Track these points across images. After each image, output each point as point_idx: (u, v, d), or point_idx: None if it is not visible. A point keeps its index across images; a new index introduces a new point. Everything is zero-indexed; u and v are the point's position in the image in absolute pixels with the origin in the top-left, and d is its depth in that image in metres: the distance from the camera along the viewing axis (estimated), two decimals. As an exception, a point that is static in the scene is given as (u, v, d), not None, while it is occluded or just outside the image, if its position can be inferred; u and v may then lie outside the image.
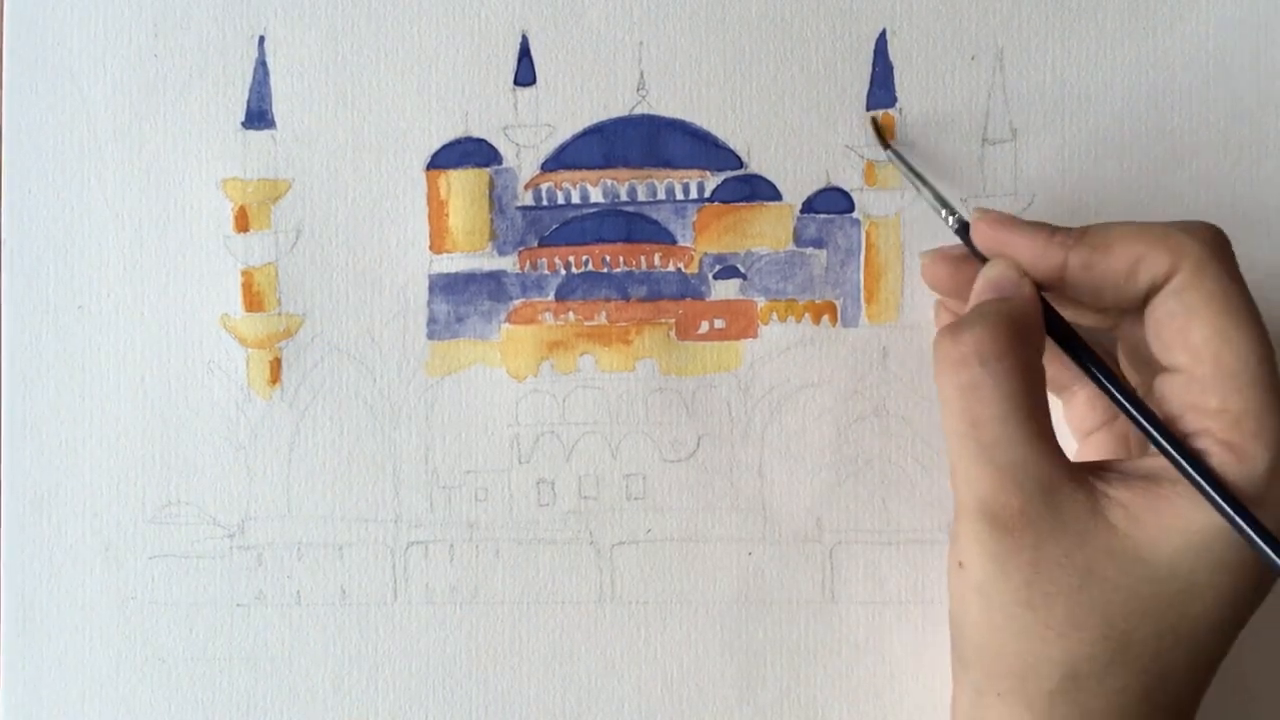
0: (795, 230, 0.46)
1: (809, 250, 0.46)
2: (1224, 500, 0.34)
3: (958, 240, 0.41)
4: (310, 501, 0.47)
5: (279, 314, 0.47)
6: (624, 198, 0.46)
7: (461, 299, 0.47)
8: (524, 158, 0.47)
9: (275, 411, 0.47)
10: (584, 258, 0.46)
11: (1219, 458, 0.35)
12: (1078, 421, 0.43)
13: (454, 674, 0.46)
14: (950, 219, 0.42)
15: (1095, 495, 0.36)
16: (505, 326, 0.47)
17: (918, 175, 0.44)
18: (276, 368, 0.47)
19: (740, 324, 0.46)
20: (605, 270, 0.46)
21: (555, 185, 0.47)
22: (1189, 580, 0.35)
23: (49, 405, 0.47)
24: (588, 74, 0.46)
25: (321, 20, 0.47)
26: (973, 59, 0.46)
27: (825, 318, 0.46)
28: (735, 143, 0.46)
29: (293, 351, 0.47)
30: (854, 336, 0.46)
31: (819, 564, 0.46)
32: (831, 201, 0.46)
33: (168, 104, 0.47)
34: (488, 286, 0.46)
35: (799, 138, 0.46)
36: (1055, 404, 0.42)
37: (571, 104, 0.46)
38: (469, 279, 0.47)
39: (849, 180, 0.46)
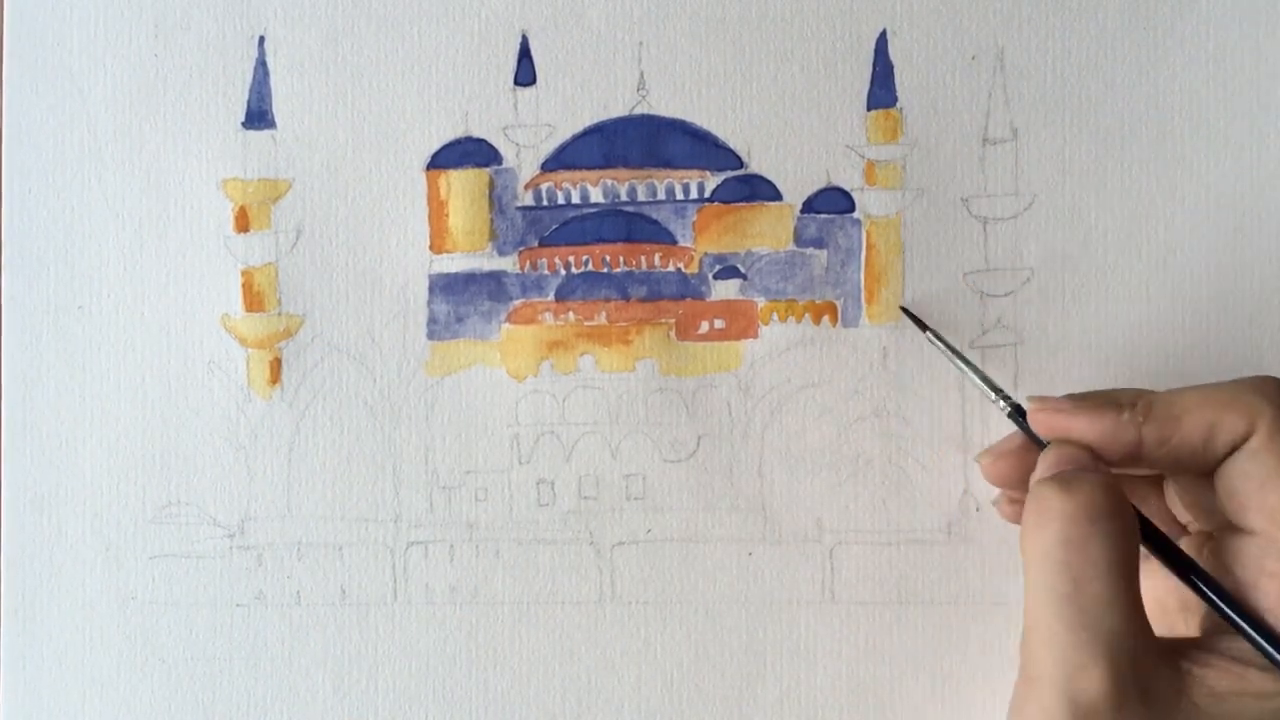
0: (795, 230, 0.46)
1: (809, 250, 0.46)
2: None
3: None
4: (310, 501, 0.47)
5: (279, 314, 0.47)
6: (624, 198, 0.46)
7: (461, 299, 0.47)
8: (524, 158, 0.47)
9: (275, 411, 0.47)
10: (584, 258, 0.46)
11: None
12: None
13: (454, 674, 0.46)
14: (1003, 404, 0.41)
15: (1181, 674, 0.34)
16: (505, 326, 0.47)
17: (963, 359, 0.43)
18: (276, 368, 0.47)
19: (740, 324, 0.46)
20: (605, 270, 0.46)
21: (555, 185, 0.47)
22: None
23: (49, 405, 0.47)
24: (588, 74, 0.46)
25: (321, 20, 0.47)
26: (973, 59, 0.46)
27: (825, 318, 0.46)
28: (735, 142, 0.46)
29: (293, 351, 0.47)
30: (854, 337, 0.46)
31: (819, 564, 0.46)
32: (832, 201, 0.46)
33: (168, 104, 0.47)
34: (488, 286, 0.46)
35: (799, 137, 0.46)
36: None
37: (571, 104, 0.46)
38: (469, 279, 0.47)
39: (849, 180, 0.46)
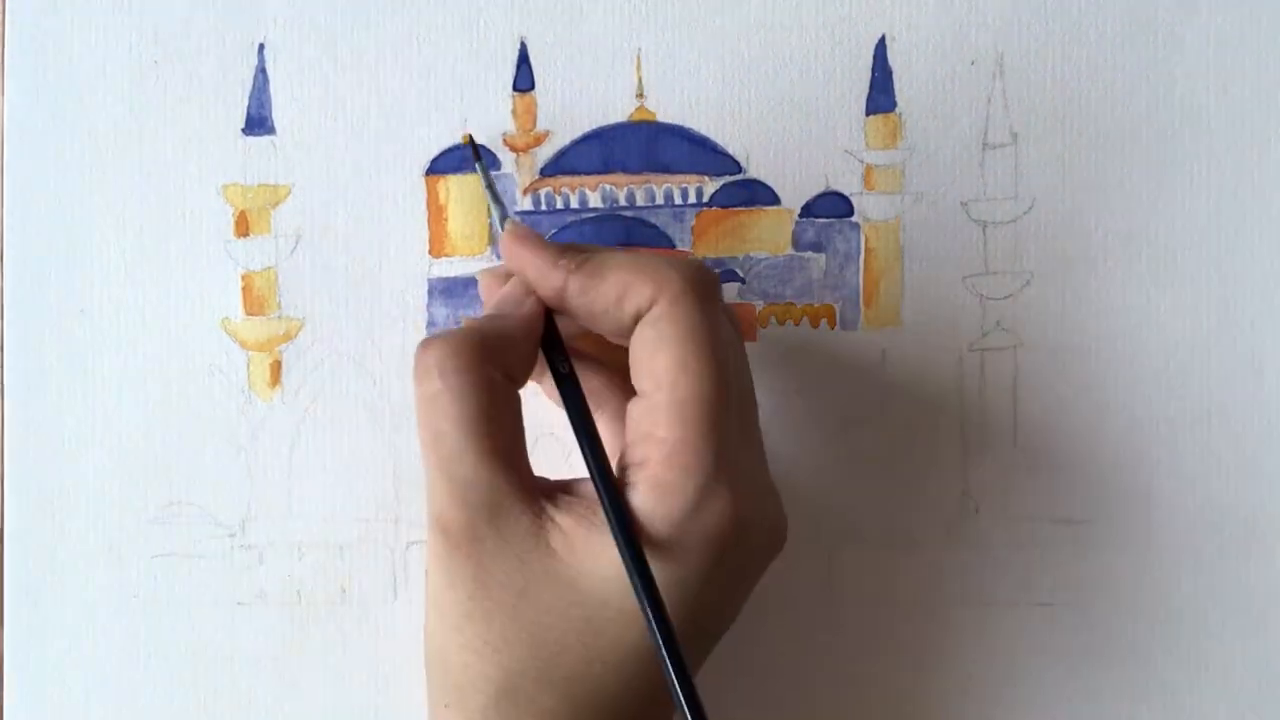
0: (794, 234, 0.46)
1: (808, 254, 0.46)
2: (626, 550, 0.35)
3: None
4: (311, 502, 0.47)
5: (279, 317, 0.47)
6: (622, 202, 0.46)
7: (461, 302, 0.47)
8: (523, 163, 0.47)
9: (275, 413, 0.47)
10: (583, 262, 0.46)
11: (643, 494, 0.36)
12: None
13: (453, 673, 0.47)
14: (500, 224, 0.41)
15: (541, 518, 0.36)
16: (504, 330, 0.47)
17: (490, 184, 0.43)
18: (277, 370, 0.47)
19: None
20: (604, 274, 0.46)
21: (554, 190, 0.47)
22: (619, 609, 0.36)
23: (52, 407, 0.47)
24: (586, 80, 0.46)
25: (321, 27, 0.47)
26: (972, 64, 0.46)
27: (824, 321, 0.46)
28: (734, 147, 0.46)
29: (293, 354, 0.47)
30: (853, 340, 0.46)
31: (819, 564, 0.46)
32: (831, 205, 0.46)
33: (168, 110, 0.47)
34: (487, 290, 0.47)
35: (798, 142, 0.46)
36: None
37: (570, 110, 0.46)
38: (468, 283, 0.47)
39: (848, 184, 0.46)
